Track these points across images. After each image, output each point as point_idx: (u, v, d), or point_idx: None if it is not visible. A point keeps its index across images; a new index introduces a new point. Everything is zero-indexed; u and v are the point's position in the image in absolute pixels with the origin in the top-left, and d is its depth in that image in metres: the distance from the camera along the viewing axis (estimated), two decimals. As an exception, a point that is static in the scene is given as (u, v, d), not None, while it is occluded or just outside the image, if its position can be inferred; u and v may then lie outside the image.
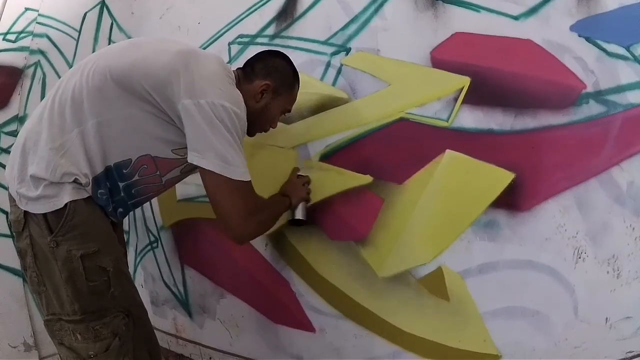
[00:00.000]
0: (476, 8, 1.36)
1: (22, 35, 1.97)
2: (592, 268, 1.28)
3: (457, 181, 1.40)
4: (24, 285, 1.98)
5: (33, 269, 1.17)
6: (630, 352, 1.27)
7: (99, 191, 1.20)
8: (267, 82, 1.32)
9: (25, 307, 1.99)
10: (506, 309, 1.38)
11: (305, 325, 1.72)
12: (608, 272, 1.26)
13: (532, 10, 1.31)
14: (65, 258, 1.13)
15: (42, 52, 2.00)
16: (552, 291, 1.32)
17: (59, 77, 2.02)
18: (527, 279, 1.34)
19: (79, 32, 2.10)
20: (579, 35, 1.26)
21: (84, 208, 1.16)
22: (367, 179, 1.53)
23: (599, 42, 1.25)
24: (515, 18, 1.32)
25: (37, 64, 1.99)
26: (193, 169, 1.27)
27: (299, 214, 1.56)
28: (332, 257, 1.61)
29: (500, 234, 1.36)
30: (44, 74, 2.00)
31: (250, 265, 1.82)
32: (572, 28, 1.27)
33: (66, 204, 1.13)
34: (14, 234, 1.23)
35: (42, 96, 1.99)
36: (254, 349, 1.90)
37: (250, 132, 1.38)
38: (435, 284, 1.45)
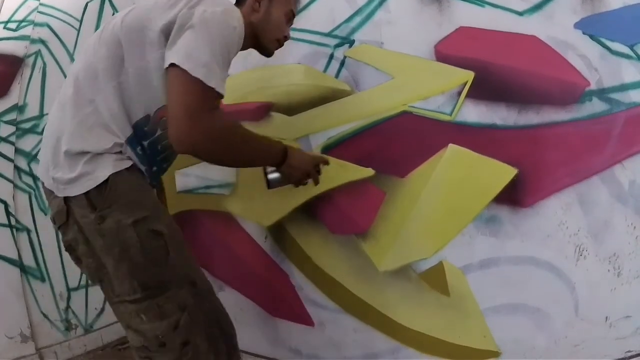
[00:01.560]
0: (481, 3, 1.36)
1: (23, 24, 1.96)
2: (593, 266, 1.28)
3: (460, 176, 1.40)
4: (21, 276, 1.96)
5: (88, 255, 1.10)
6: (629, 351, 1.27)
7: (137, 148, 1.14)
8: None
9: (22, 298, 1.98)
10: (507, 305, 1.38)
11: (304, 319, 1.71)
12: (609, 271, 1.27)
13: (537, 7, 1.31)
14: (115, 231, 1.05)
15: (43, 42, 1.99)
16: (553, 288, 1.32)
17: (60, 66, 2.02)
18: (528, 276, 1.34)
19: (81, 22, 2.09)
20: (583, 33, 1.27)
21: (127, 177, 1.09)
22: (369, 172, 1.52)
23: (602, 40, 1.26)
24: (520, 14, 1.33)
25: (37, 53, 1.97)
26: None
27: (273, 175, 1.33)
28: (332, 250, 1.61)
29: (502, 229, 1.36)
30: (44, 63, 1.99)
31: (250, 258, 1.81)
32: (577, 25, 1.27)
33: (108, 177, 1.06)
34: (58, 230, 1.15)
35: (43, 85, 1.98)
36: (253, 342, 1.89)
37: (266, 50, 1.33)
38: (436, 279, 1.45)
